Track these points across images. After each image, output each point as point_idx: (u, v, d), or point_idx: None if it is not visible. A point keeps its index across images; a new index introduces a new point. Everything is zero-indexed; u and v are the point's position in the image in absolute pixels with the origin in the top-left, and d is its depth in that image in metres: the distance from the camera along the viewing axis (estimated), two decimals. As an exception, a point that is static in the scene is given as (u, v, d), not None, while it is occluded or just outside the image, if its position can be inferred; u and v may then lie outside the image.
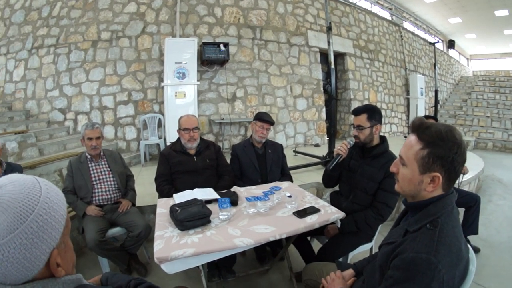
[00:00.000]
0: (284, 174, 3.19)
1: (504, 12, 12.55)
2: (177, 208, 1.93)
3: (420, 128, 1.16)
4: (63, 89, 6.34)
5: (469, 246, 1.21)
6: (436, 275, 1.01)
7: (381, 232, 2.11)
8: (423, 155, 1.12)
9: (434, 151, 1.10)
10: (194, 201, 2.05)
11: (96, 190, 2.89)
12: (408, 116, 11.15)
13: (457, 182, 3.54)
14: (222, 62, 6.65)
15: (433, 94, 9.63)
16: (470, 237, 3.24)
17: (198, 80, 6.11)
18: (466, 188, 4.44)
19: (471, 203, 3.27)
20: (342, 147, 2.39)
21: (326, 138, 7.93)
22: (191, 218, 1.84)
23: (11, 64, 6.69)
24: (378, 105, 9.46)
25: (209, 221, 1.93)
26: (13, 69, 6.66)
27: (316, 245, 2.60)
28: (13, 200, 0.70)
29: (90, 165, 2.93)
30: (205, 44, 6.28)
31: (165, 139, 5.94)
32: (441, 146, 1.09)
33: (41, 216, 0.72)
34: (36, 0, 6.69)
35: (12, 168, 2.65)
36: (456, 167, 1.11)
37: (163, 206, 2.25)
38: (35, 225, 0.70)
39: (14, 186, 0.72)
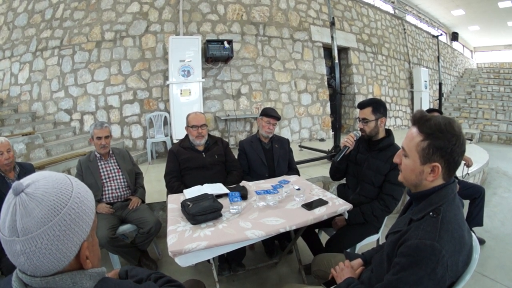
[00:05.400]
0: (291, 169, 3.22)
1: (507, 4, 12.44)
2: (188, 203, 1.97)
3: (420, 120, 1.21)
4: (68, 90, 6.40)
5: (472, 233, 1.25)
6: (440, 260, 1.05)
7: (387, 225, 2.14)
8: (424, 147, 1.17)
9: (434, 143, 1.15)
10: (205, 196, 2.08)
11: (106, 188, 2.93)
12: (412, 109, 11.11)
13: (462, 174, 3.56)
14: (226, 59, 6.68)
15: (437, 87, 9.58)
16: (475, 229, 3.25)
17: (202, 78, 6.14)
18: (471, 181, 4.44)
19: (475, 195, 3.28)
20: (349, 139, 2.43)
21: (331, 133, 7.95)
22: (203, 212, 1.87)
23: (16, 67, 6.75)
24: (383, 98, 9.37)
25: (221, 215, 1.97)
26: (18, 72, 6.72)
27: (324, 238, 2.63)
28: (47, 193, 0.73)
29: (99, 163, 2.98)
30: (209, 41, 6.32)
31: (171, 137, 5.99)
32: (441, 137, 1.14)
33: (74, 210, 0.76)
34: (39, 3, 6.74)
35: (25, 171, 2.67)
36: (455, 157, 1.16)
37: (174, 202, 2.29)
38: (68, 217, 0.74)
39: (47, 181, 0.76)
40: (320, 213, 2.01)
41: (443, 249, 1.05)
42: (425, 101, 10.82)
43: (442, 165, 1.16)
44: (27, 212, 0.70)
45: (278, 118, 3.06)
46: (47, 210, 0.71)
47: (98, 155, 2.99)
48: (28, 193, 0.72)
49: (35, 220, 0.70)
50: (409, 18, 12.41)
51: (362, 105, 2.42)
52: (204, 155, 2.95)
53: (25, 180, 0.75)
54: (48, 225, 0.71)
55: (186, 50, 5.82)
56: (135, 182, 3.15)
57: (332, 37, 5.01)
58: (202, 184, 2.56)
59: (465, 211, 3.28)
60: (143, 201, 3.09)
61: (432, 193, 1.21)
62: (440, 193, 1.19)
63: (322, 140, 7.91)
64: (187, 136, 3.03)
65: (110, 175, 2.98)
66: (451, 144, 1.13)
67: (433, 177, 1.19)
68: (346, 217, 2.28)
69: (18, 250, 0.70)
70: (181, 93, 5.81)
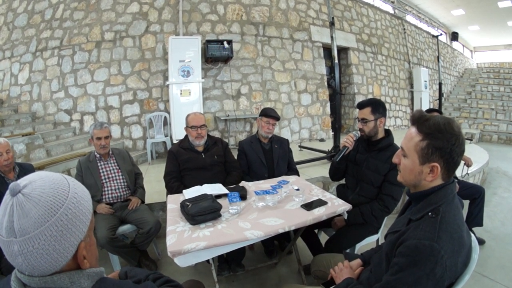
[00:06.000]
0: (291, 169, 3.22)
1: (507, 3, 12.44)
2: (188, 203, 1.97)
3: (419, 120, 1.20)
4: (68, 90, 6.40)
5: (471, 234, 1.24)
6: (439, 260, 1.05)
7: (387, 225, 2.14)
8: (423, 146, 1.17)
9: (433, 143, 1.15)
10: (205, 196, 2.08)
11: (106, 189, 2.93)
12: (412, 109, 11.10)
13: (461, 174, 3.56)
14: (226, 59, 6.69)
15: (437, 87, 9.57)
16: (475, 229, 3.25)
17: (202, 78, 6.14)
18: (470, 181, 4.44)
19: (475, 195, 3.28)
20: (348, 139, 2.43)
21: (331, 133, 7.95)
22: (202, 212, 1.87)
23: (16, 68, 6.74)
24: (382, 98, 9.44)
25: (220, 215, 1.97)
26: (18, 72, 6.72)
27: (323, 238, 2.63)
28: (44, 194, 0.73)
29: (99, 164, 2.98)
30: (208, 41, 6.32)
31: (171, 137, 5.99)
32: (440, 137, 1.14)
33: (70, 210, 0.76)
34: (39, 3, 6.73)
35: (25, 171, 2.67)
36: (454, 157, 1.15)
37: (173, 202, 2.29)
38: (65, 218, 0.74)
39: (43, 182, 0.76)
40: (319, 213, 2.01)
41: (442, 249, 1.05)
42: (425, 101, 10.82)
43: (441, 165, 1.16)
44: (24, 213, 0.70)
45: (277, 118, 3.06)
46: (44, 210, 0.71)
47: (98, 156, 2.99)
48: (25, 193, 0.72)
49: (32, 221, 0.70)
50: (409, 18, 12.40)
51: (361, 105, 2.42)
52: (203, 156, 2.95)
53: (22, 181, 0.75)
54: (45, 225, 0.71)
55: (186, 50, 5.82)
56: (135, 183, 3.15)
57: (331, 37, 5.01)
58: (201, 185, 2.55)
59: (465, 211, 3.28)
60: (142, 202, 3.09)
61: (431, 193, 1.20)
62: (439, 193, 1.19)
63: (322, 140, 7.90)
64: (186, 136, 3.02)
65: (110, 176, 2.98)
66: (450, 144, 1.13)
67: (432, 177, 1.18)
68: (346, 218, 2.28)
69: (16, 250, 0.70)
70: (181, 93, 5.82)
